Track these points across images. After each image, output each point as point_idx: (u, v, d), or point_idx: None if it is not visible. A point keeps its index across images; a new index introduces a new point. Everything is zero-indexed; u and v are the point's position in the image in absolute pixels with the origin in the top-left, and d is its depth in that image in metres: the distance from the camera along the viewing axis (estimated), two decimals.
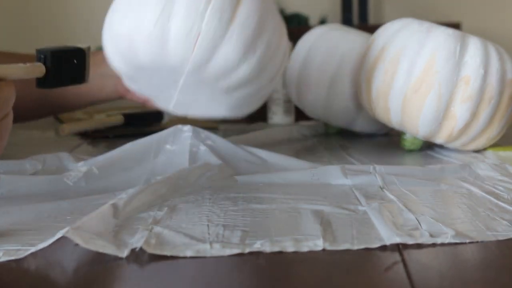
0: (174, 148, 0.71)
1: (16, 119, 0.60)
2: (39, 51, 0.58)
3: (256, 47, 0.65)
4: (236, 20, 0.64)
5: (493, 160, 0.77)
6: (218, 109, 0.73)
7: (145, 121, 1.07)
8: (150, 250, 0.42)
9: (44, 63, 0.57)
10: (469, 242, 0.44)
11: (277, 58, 0.69)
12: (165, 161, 0.69)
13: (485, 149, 0.84)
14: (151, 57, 0.65)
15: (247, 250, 0.42)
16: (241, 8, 0.64)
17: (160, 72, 0.67)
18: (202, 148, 0.71)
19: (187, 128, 0.73)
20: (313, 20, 1.72)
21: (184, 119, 1.14)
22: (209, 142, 0.73)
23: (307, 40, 1.01)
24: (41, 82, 0.58)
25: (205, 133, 0.74)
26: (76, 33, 1.67)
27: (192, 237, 0.45)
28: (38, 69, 0.57)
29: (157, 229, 0.47)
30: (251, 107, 0.73)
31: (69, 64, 0.60)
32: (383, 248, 0.43)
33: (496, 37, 1.41)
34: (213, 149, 0.71)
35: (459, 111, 0.77)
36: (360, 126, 1.00)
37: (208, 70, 0.65)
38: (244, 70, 0.65)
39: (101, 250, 0.41)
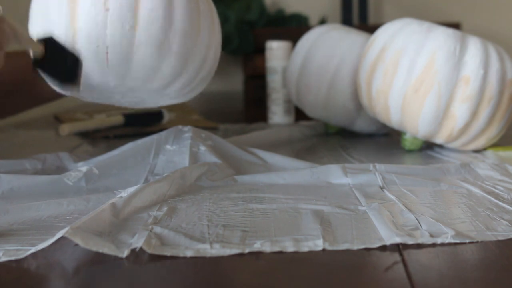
0: (174, 148, 0.71)
1: None
2: (44, 37, 0.60)
3: (171, 44, 0.63)
4: (140, 22, 0.62)
5: (493, 160, 0.77)
6: (163, 100, 0.72)
7: (145, 121, 1.07)
8: (150, 250, 0.42)
9: (44, 46, 0.60)
10: (469, 242, 0.44)
11: (200, 43, 0.67)
12: (165, 161, 0.69)
13: (485, 149, 0.84)
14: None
15: (247, 250, 0.43)
16: (142, 5, 0.62)
17: (94, 87, 0.67)
18: (202, 148, 0.71)
19: (187, 128, 0.73)
20: (313, 20, 1.72)
21: (185, 119, 1.14)
22: (209, 142, 0.73)
23: (307, 40, 1.01)
24: (37, 63, 0.60)
25: (205, 134, 0.74)
26: None
27: (192, 237, 0.45)
28: (37, 45, 0.59)
29: (157, 229, 0.47)
30: (194, 92, 0.72)
31: (64, 59, 0.61)
32: (383, 248, 0.43)
33: (496, 37, 1.41)
34: (213, 149, 0.71)
35: (459, 111, 0.77)
36: (360, 126, 1.00)
37: (130, 79, 0.65)
38: (165, 69, 0.65)
39: (101, 250, 0.41)
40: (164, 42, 0.63)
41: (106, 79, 0.64)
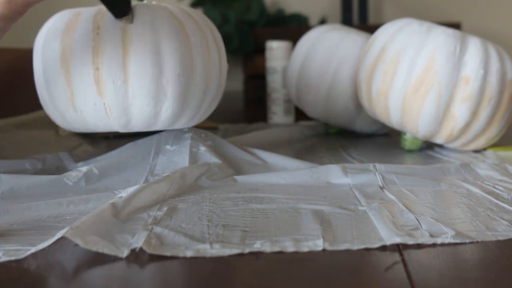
0: (174, 148, 0.71)
1: None
2: None
3: (165, 90, 0.65)
4: (130, 78, 0.63)
5: (493, 160, 0.77)
6: (173, 127, 0.73)
7: None
8: (150, 250, 0.42)
9: None
10: (469, 242, 0.44)
11: (197, 78, 0.67)
12: (165, 161, 0.69)
13: (485, 149, 0.84)
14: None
15: (247, 250, 0.42)
16: (130, 62, 0.63)
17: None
18: (202, 148, 0.71)
19: (187, 129, 0.73)
20: (313, 20, 1.72)
21: None
22: (209, 142, 0.73)
23: (307, 40, 1.01)
24: None
25: (205, 134, 0.74)
26: None
27: (192, 237, 0.45)
28: None
29: (157, 229, 0.47)
30: (204, 116, 0.74)
31: None
32: (383, 248, 0.43)
33: (496, 37, 1.41)
34: (213, 150, 0.71)
35: (459, 111, 0.77)
36: (360, 126, 1.00)
37: (134, 127, 0.68)
38: (165, 114, 0.66)
39: (101, 250, 0.41)
40: (158, 90, 0.64)
41: (110, 127, 0.67)
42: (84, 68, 0.64)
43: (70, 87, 0.65)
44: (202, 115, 0.72)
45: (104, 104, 0.64)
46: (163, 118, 0.67)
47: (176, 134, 0.73)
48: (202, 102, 0.69)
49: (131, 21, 0.64)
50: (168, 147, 0.72)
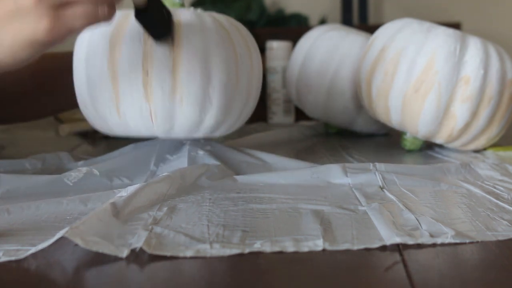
0: (174, 157, 0.71)
1: None
2: None
3: (211, 97, 0.65)
4: (178, 84, 0.64)
5: (493, 160, 0.77)
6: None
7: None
8: (150, 250, 0.42)
9: None
10: (469, 242, 0.44)
11: (241, 88, 0.68)
12: (165, 170, 0.69)
13: (485, 149, 0.84)
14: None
15: (247, 250, 0.42)
16: (180, 68, 0.64)
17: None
18: (201, 152, 0.71)
19: (186, 139, 0.74)
20: (313, 20, 1.72)
21: None
22: (208, 147, 0.73)
23: (307, 40, 1.01)
24: (139, 13, 0.59)
25: (204, 140, 0.75)
26: None
27: (192, 237, 0.45)
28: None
29: (157, 229, 0.47)
30: (238, 126, 0.75)
31: (161, 10, 0.61)
32: (383, 248, 0.43)
33: (496, 37, 1.41)
34: (212, 154, 0.71)
35: (459, 111, 0.77)
36: (360, 126, 1.00)
37: (176, 134, 0.68)
38: (208, 121, 0.67)
39: (101, 250, 0.41)
40: (205, 98, 0.65)
41: (152, 133, 0.68)
42: (133, 72, 0.64)
43: (116, 90, 0.65)
44: (239, 124, 0.73)
45: (150, 109, 0.64)
46: (206, 126, 0.67)
47: (176, 144, 0.74)
48: (242, 111, 0.70)
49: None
50: (168, 156, 0.72)
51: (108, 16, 0.51)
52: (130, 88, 0.64)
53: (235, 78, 0.67)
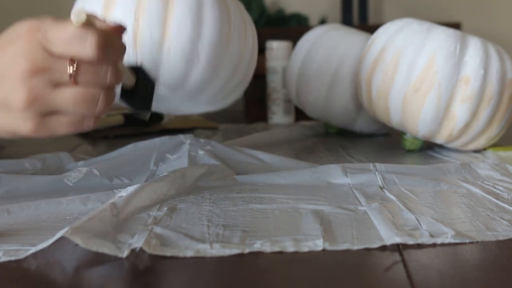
0: (174, 157, 0.71)
1: None
2: (135, 66, 0.56)
3: (199, 54, 0.65)
4: (167, 34, 0.64)
5: (493, 160, 0.77)
6: (197, 108, 0.74)
7: (145, 121, 1.07)
8: (150, 250, 0.42)
9: (136, 75, 0.55)
10: (469, 242, 0.44)
11: (231, 52, 0.69)
12: (165, 169, 0.69)
13: (485, 149, 0.84)
14: None
15: (247, 250, 0.42)
16: (171, 19, 0.64)
17: None
18: (201, 152, 0.71)
19: (188, 138, 0.74)
20: (313, 20, 1.72)
21: (185, 119, 1.14)
22: (208, 147, 0.73)
23: (307, 40, 1.01)
24: (125, 93, 0.56)
25: (204, 140, 0.75)
26: None
27: (192, 237, 0.45)
28: (129, 75, 0.55)
29: (157, 229, 0.47)
30: (230, 98, 0.74)
31: (147, 87, 0.57)
32: (383, 248, 0.43)
33: (496, 37, 1.41)
34: (211, 153, 0.71)
35: (459, 111, 0.77)
36: (360, 126, 1.00)
37: (161, 84, 0.67)
38: (194, 78, 0.67)
39: (101, 250, 0.41)
40: (192, 52, 0.65)
41: None
42: (125, 17, 0.64)
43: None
44: (227, 95, 0.73)
45: (137, 55, 0.65)
46: (191, 82, 0.67)
47: (176, 143, 0.74)
48: (231, 78, 0.70)
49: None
50: (168, 155, 0.72)
51: (91, 126, 0.50)
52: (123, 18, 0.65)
53: (226, 41, 0.67)
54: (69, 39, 0.45)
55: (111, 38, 0.47)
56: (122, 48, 0.49)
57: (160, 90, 0.68)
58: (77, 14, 0.44)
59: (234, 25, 0.68)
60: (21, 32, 0.46)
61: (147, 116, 0.60)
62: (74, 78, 0.46)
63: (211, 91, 0.69)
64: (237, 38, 0.69)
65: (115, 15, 0.65)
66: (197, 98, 0.70)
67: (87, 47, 0.45)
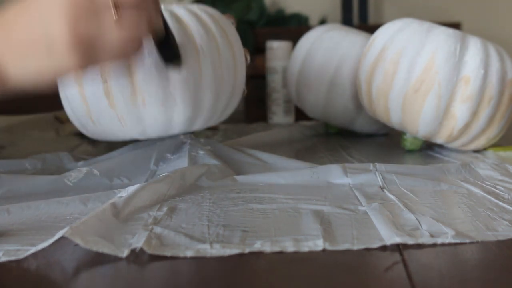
0: (174, 157, 0.71)
1: None
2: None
3: (174, 95, 0.65)
4: (137, 88, 0.64)
5: (493, 160, 0.77)
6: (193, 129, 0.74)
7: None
8: (150, 250, 0.42)
9: (164, 25, 0.58)
10: (469, 242, 0.44)
11: (207, 82, 0.67)
12: (165, 169, 0.69)
13: (485, 149, 0.84)
14: None
15: (247, 250, 0.42)
16: (136, 72, 0.63)
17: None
18: (201, 152, 0.71)
19: (188, 137, 0.74)
20: (313, 20, 1.72)
21: None
22: (208, 147, 0.73)
23: (307, 40, 1.01)
24: (158, 43, 0.59)
25: (204, 140, 0.75)
26: None
27: (192, 237, 0.45)
28: (161, 28, 0.57)
29: (157, 229, 0.47)
30: (224, 116, 0.75)
31: (173, 39, 0.61)
32: (383, 248, 0.43)
33: (496, 37, 1.41)
34: (212, 153, 0.71)
35: (459, 111, 0.77)
36: (360, 126, 1.00)
37: (152, 134, 0.69)
38: (178, 119, 0.67)
39: (101, 250, 0.41)
40: (167, 97, 0.65)
41: (130, 136, 0.69)
42: (94, 82, 0.64)
43: (85, 102, 0.66)
44: (220, 115, 0.72)
45: (117, 115, 0.65)
46: (178, 123, 0.67)
47: (177, 143, 0.74)
48: (216, 103, 0.69)
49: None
50: (168, 155, 0.72)
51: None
52: (96, 98, 0.65)
53: (197, 72, 0.66)
54: None
55: None
56: None
57: (151, 135, 0.69)
58: None
59: (202, 52, 0.66)
60: None
61: (180, 66, 0.63)
62: (118, 19, 0.48)
63: (201, 121, 0.69)
64: (209, 64, 0.67)
65: (84, 81, 0.65)
66: (190, 129, 0.71)
67: None
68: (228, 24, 0.72)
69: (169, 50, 0.60)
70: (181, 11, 0.68)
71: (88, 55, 0.49)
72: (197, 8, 0.70)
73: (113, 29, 0.49)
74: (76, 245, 0.42)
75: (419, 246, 0.44)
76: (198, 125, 0.70)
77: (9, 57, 0.50)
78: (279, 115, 1.21)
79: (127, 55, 0.51)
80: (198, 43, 0.66)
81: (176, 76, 0.64)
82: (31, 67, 0.50)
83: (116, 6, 0.48)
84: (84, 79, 0.65)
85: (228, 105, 0.72)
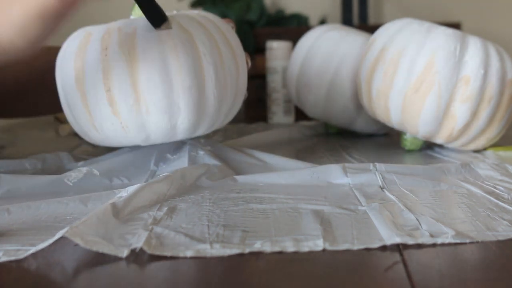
0: (174, 157, 0.71)
1: None
2: None
3: (177, 102, 0.65)
4: (141, 96, 0.64)
5: (493, 160, 0.77)
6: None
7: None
8: (150, 250, 0.42)
9: None
10: (469, 242, 0.44)
11: (210, 88, 0.67)
12: (165, 169, 0.69)
13: (485, 149, 0.84)
14: None
15: (247, 250, 0.42)
16: (139, 80, 0.63)
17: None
18: (201, 152, 0.71)
19: (187, 138, 0.74)
20: (313, 20, 1.72)
21: None
22: (208, 147, 0.73)
23: (307, 40, 1.01)
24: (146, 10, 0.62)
25: (204, 140, 0.75)
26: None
27: (192, 237, 0.45)
28: None
29: (157, 229, 0.47)
30: (226, 121, 0.75)
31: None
32: (383, 248, 0.43)
33: (496, 37, 1.41)
34: (212, 153, 0.71)
35: (459, 111, 0.77)
36: (360, 126, 1.00)
37: (155, 140, 0.69)
38: (182, 125, 0.67)
39: (101, 250, 0.41)
40: (171, 104, 0.64)
41: (133, 143, 0.68)
42: (98, 90, 0.64)
43: (87, 109, 0.65)
44: (223, 120, 0.72)
45: (121, 123, 0.65)
46: (181, 130, 0.67)
47: (177, 143, 0.74)
48: (220, 109, 0.69)
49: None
50: (168, 155, 0.72)
51: None
52: (98, 105, 0.65)
53: (200, 78, 0.65)
54: None
55: None
56: None
57: (155, 142, 0.69)
58: None
59: (205, 59, 0.66)
60: None
61: (169, 25, 0.64)
62: None
63: (204, 126, 0.69)
64: (212, 70, 0.66)
65: (87, 89, 0.65)
66: (194, 135, 0.71)
67: None
68: (229, 30, 0.72)
69: (155, 12, 0.62)
70: (183, 18, 0.68)
71: None
72: (198, 15, 0.70)
73: None
74: (76, 245, 0.42)
75: (419, 246, 0.44)
76: (201, 131, 0.70)
77: None
78: (279, 115, 1.21)
79: None
80: (201, 51, 0.66)
81: (179, 84, 0.64)
82: (15, 10, 0.50)
83: None
84: (86, 86, 0.64)
85: (231, 110, 0.72)
